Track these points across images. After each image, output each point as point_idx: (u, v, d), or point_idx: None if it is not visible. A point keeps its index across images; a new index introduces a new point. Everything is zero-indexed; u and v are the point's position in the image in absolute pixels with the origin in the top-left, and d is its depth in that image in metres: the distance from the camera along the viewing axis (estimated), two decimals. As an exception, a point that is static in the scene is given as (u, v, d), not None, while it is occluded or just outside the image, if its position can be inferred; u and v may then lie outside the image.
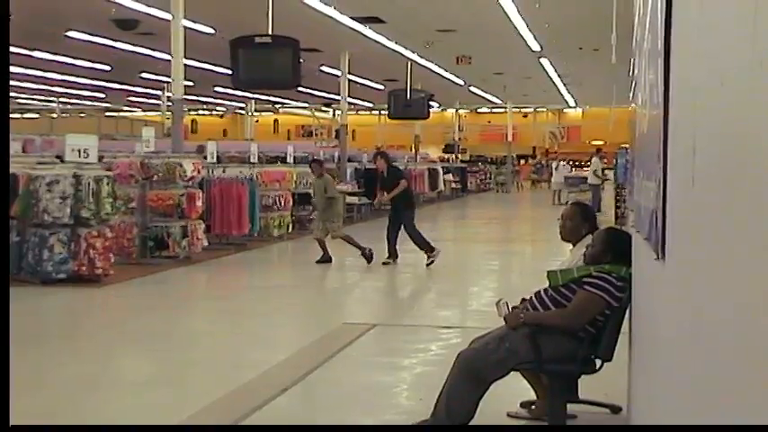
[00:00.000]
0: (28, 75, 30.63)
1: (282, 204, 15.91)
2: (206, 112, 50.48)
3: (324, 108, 43.08)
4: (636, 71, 3.93)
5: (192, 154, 14.29)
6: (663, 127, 2.36)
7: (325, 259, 12.75)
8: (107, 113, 47.93)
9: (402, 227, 12.72)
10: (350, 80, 24.86)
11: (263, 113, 47.76)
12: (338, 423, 5.33)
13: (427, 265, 12.43)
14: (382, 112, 40.92)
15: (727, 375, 1.40)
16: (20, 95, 39.33)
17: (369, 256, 12.67)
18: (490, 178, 41.90)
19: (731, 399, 1.36)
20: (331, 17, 18.10)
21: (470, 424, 4.60)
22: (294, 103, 44.21)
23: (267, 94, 38.72)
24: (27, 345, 7.46)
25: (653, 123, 2.70)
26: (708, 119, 1.64)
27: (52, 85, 35.14)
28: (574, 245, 5.50)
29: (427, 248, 12.55)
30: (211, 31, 19.82)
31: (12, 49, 22.45)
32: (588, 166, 28.34)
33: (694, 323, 1.77)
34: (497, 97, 40.00)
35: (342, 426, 4.85)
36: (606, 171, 27.65)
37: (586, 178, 29.80)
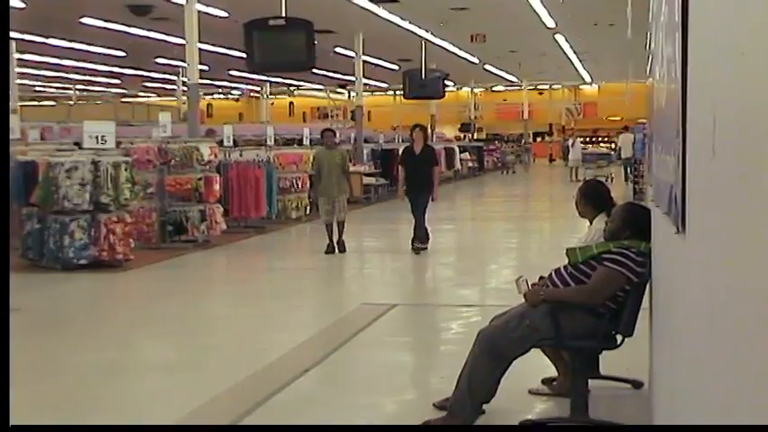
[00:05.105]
0: (44, 62, 30.74)
1: (300, 186, 15.95)
2: (221, 96, 50.54)
3: (339, 89, 43.03)
4: (652, 45, 3.89)
5: (207, 138, 14.34)
6: (681, 100, 2.35)
7: (332, 250, 11.77)
8: (123, 99, 48.07)
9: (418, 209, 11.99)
10: (364, 61, 24.79)
11: (278, 96, 47.76)
12: (359, 403, 5.37)
13: (414, 250, 11.83)
14: (397, 92, 40.82)
15: (749, 349, 1.39)
16: (36, 83, 39.51)
17: (332, 250, 11.74)
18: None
19: (753, 372, 1.36)
20: (344, -2, 18.07)
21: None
22: (309, 85, 44.18)
23: (282, 77, 38.68)
24: (49, 330, 7.55)
25: (671, 97, 2.68)
26: (728, 89, 1.63)
27: (68, 72, 35.27)
28: (590, 221, 5.52)
29: (425, 238, 12.02)
30: (225, 14, 19.80)
31: (27, 36, 22.59)
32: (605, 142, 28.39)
33: (715, 297, 1.77)
34: (512, 75, 39.81)
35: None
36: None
37: (603, 154, 29.77)
